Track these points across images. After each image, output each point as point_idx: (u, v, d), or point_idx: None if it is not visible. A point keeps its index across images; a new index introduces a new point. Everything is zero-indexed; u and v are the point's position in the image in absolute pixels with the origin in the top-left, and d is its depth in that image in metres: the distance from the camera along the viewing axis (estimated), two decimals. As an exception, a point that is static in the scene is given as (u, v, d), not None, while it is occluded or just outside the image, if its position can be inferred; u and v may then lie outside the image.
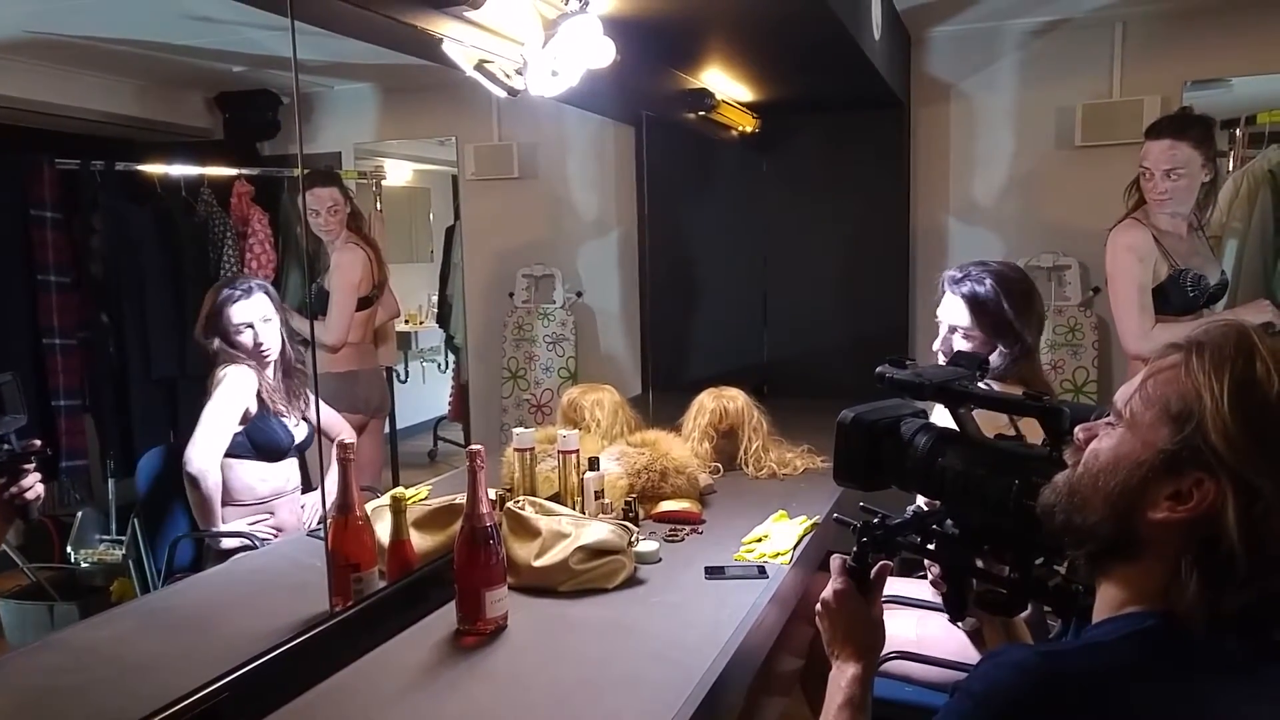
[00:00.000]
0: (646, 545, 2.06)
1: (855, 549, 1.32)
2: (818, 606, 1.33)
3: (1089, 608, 0.98)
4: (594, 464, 2.24)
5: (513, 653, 1.64)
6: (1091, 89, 3.74)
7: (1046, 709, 0.85)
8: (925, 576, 1.47)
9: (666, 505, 2.36)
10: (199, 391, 2.37)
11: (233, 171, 3.54)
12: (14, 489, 1.57)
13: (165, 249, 3.34)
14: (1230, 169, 3.49)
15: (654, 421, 2.77)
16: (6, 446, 1.59)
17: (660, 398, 3.75)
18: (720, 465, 2.76)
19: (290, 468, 2.47)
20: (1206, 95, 3.57)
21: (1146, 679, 0.86)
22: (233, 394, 2.34)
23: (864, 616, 1.31)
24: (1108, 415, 0.95)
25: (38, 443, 1.62)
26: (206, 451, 2.29)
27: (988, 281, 2.08)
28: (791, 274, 4.08)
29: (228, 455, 2.34)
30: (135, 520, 2.46)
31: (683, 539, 2.23)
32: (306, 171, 3.19)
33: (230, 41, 3.14)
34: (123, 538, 2.63)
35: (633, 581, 1.94)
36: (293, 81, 1.68)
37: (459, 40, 1.85)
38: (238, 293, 2.37)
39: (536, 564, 1.87)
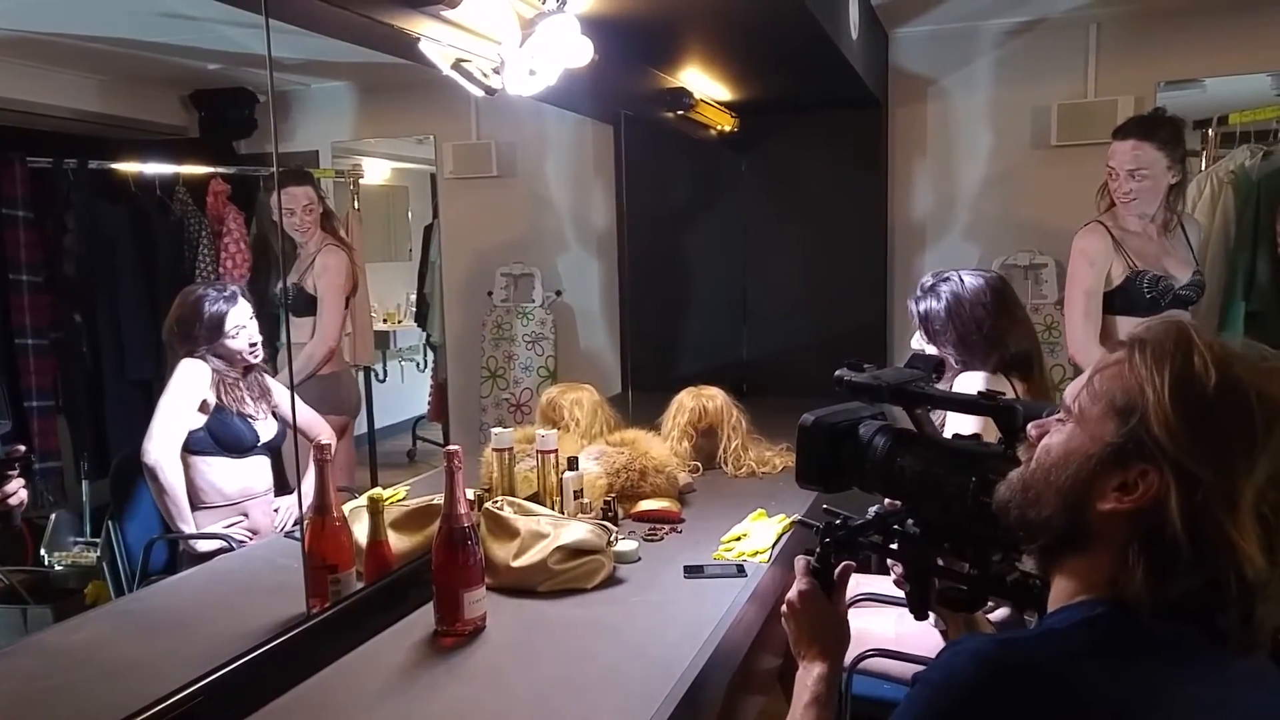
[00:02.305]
0: (625, 545, 2.06)
1: (818, 550, 1.34)
2: (783, 608, 1.35)
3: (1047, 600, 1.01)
4: (573, 463, 2.24)
5: (491, 653, 1.64)
6: (1067, 89, 3.77)
7: (1003, 695, 0.88)
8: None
9: (645, 504, 2.36)
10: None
11: (208, 170, 3.50)
12: None
13: (140, 248, 3.31)
14: (1202, 169, 3.53)
15: (633, 421, 2.77)
16: None
17: (639, 397, 3.75)
18: (699, 464, 2.76)
19: (260, 467, 2.45)
20: (1180, 96, 3.60)
21: (1098, 663, 0.89)
22: (184, 384, 2.32)
23: (828, 616, 1.33)
24: (1059, 412, 0.98)
25: (22, 448, 1.61)
26: (162, 442, 2.28)
27: (940, 292, 2.23)
28: (770, 273, 4.08)
29: (193, 453, 2.33)
30: (110, 522, 2.44)
31: (662, 538, 2.23)
32: (281, 170, 3.17)
33: (205, 39, 3.12)
34: (97, 540, 2.61)
35: (612, 581, 1.95)
36: (268, 80, 1.68)
37: (436, 39, 1.84)
38: (224, 298, 2.37)
39: (515, 564, 1.87)
